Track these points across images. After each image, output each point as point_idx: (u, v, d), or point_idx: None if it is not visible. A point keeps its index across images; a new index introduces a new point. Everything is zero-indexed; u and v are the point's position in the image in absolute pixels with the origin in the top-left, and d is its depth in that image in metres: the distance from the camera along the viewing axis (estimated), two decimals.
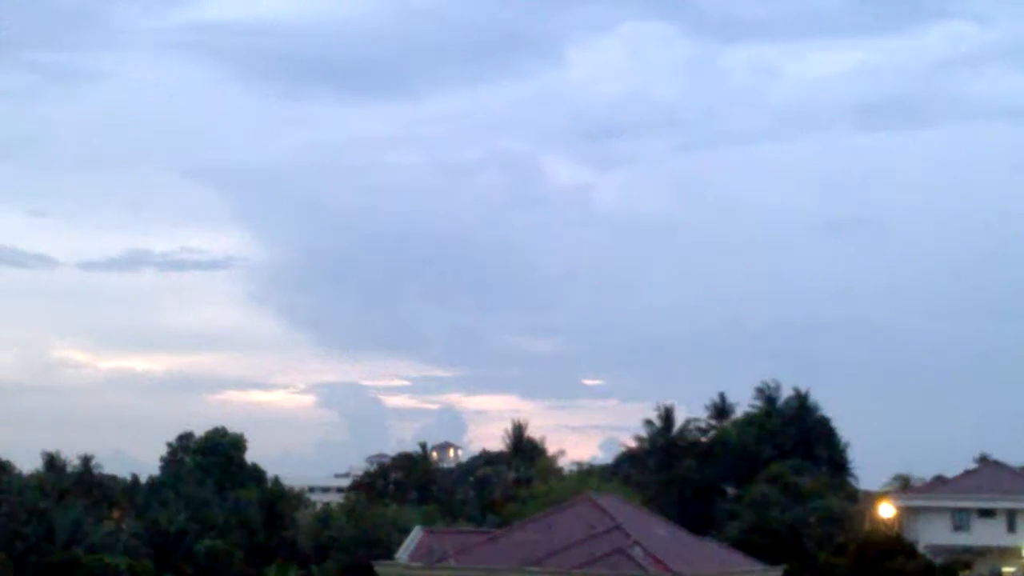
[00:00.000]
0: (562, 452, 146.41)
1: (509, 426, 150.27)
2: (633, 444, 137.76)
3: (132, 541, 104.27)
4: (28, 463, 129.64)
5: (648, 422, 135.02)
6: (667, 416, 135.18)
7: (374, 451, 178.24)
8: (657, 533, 71.27)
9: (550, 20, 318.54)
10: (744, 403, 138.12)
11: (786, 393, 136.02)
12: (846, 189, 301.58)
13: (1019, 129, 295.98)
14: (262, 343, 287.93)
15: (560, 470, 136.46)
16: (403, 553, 73.34)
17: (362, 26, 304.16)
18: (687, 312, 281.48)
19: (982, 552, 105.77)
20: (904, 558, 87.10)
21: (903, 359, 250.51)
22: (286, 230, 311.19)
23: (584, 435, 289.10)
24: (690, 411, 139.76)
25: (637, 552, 64.08)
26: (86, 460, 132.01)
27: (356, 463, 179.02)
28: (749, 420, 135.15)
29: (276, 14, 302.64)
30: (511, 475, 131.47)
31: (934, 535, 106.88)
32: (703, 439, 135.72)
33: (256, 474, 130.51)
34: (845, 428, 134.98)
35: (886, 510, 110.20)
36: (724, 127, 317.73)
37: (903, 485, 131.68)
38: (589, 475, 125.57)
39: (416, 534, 77.10)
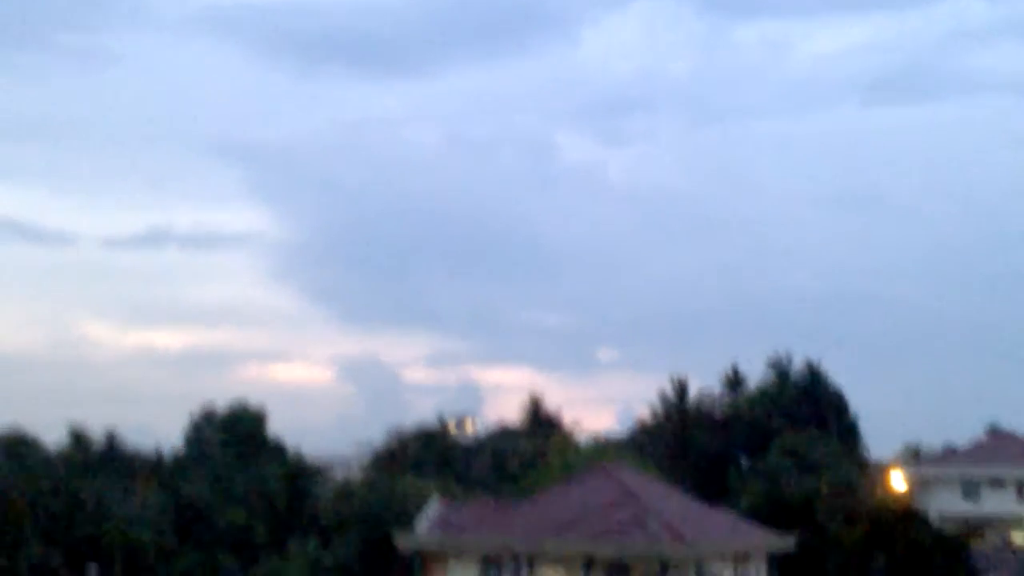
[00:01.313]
0: (578, 424, 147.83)
1: (525, 399, 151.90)
2: (648, 416, 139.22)
3: (156, 514, 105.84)
4: (53, 437, 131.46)
5: (662, 394, 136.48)
6: (681, 388, 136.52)
7: (393, 424, 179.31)
8: (671, 503, 72.64)
9: None
10: (757, 374, 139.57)
11: (798, 365, 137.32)
12: (856, 163, 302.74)
13: None
14: (282, 318, 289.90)
15: (576, 442, 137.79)
16: (422, 524, 74.81)
17: (378, 5, 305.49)
18: (700, 285, 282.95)
19: (992, 521, 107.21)
20: (915, 528, 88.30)
21: (913, 331, 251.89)
22: (305, 206, 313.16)
23: (599, 407, 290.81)
24: (703, 382, 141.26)
25: (652, 522, 65.53)
26: (111, 434, 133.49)
27: (375, 435, 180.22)
28: (762, 392, 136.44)
29: None
30: (528, 447, 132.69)
31: (944, 504, 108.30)
32: (716, 411, 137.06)
33: (278, 447, 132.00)
34: (856, 399, 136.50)
35: (897, 480, 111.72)
36: (735, 103, 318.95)
37: (914, 455, 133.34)
38: (604, 446, 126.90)
39: (434, 505, 78.49)
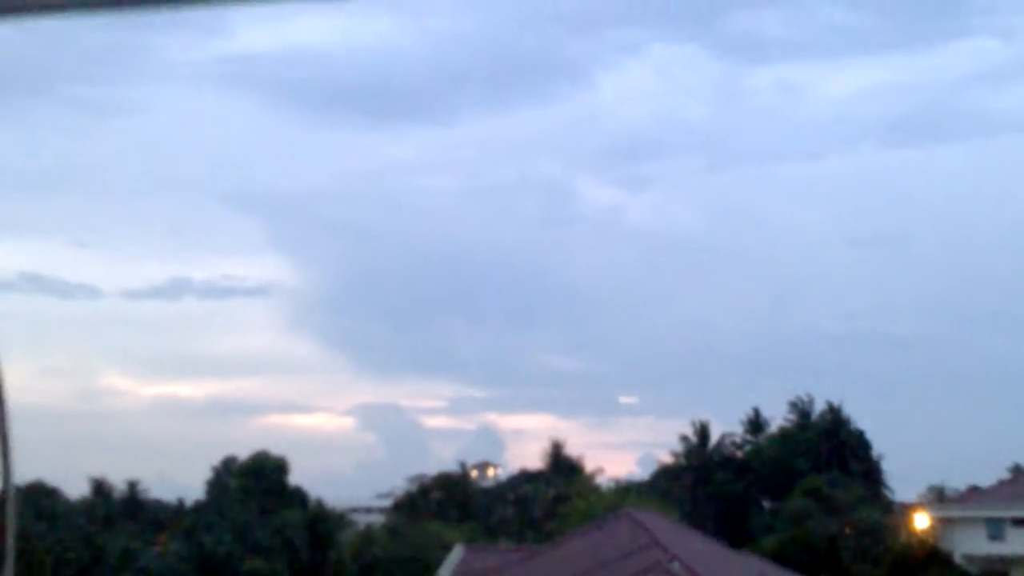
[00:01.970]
0: (600, 470, 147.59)
1: (547, 444, 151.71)
2: (670, 460, 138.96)
3: (179, 564, 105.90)
4: (75, 489, 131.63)
5: (684, 438, 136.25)
6: (703, 432, 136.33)
7: (414, 471, 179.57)
8: (695, 547, 72.49)
9: (580, 43, 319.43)
10: (778, 417, 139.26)
11: (819, 407, 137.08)
12: (873, 205, 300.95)
13: None
14: (301, 367, 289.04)
15: (598, 487, 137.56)
16: (445, 571, 74.71)
17: (393, 53, 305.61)
18: (719, 328, 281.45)
19: (1018, 561, 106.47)
20: (940, 569, 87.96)
21: (934, 371, 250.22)
22: (322, 255, 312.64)
23: (621, 452, 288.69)
24: (725, 426, 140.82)
25: (676, 567, 65.37)
26: (132, 485, 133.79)
27: (397, 483, 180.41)
28: (784, 434, 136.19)
29: (310, 44, 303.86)
30: (550, 492, 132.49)
31: (969, 545, 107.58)
32: (738, 453, 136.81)
33: (299, 496, 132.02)
34: (878, 440, 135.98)
35: (921, 521, 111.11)
36: (752, 146, 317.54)
37: (937, 496, 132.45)
38: (627, 491, 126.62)
39: (457, 552, 78.40)
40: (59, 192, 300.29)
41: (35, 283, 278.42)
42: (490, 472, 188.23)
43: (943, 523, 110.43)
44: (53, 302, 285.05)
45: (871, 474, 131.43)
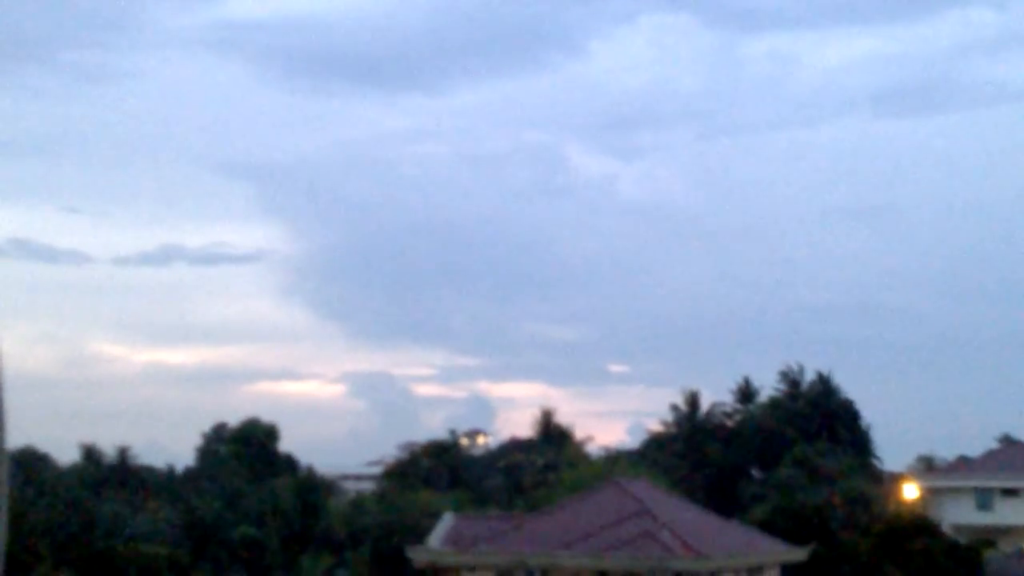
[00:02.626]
0: (590, 438, 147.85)
1: (537, 413, 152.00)
2: (659, 429, 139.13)
3: (169, 530, 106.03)
4: (66, 455, 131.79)
5: (674, 407, 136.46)
6: (693, 401, 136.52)
7: (404, 439, 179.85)
8: (684, 516, 72.72)
9: (573, 12, 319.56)
10: (768, 387, 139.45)
11: (809, 376, 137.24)
12: (865, 175, 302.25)
13: None
14: (292, 335, 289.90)
15: (588, 455, 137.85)
16: (435, 539, 74.90)
17: (387, 22, 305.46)
18: (711, 298, 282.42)
19: (1006, 531, 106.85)
20: (928, 538, 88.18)
21: (925, 341, 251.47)
22: (314, 223, 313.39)
23: (611, 421, 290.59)
24: (715, 395, 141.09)
25: (665, 535, 65.58)
26: (123, 451, 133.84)
27: (387, 451, 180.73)
28: (773, 403, 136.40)
29: (302, 11, 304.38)
30: (540, 461, 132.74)
31: (958, 515, 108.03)
32: (728, 423, 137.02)
33: (289, 463, 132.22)
34: (868, 410, 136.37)
35: (910, 491, 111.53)
36: (744, 116, 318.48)
37: (926, 466, 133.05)
38: (616, 460, 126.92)
39: (447, 520, 78.60)
40: (50, 158, 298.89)
41: (25, 249, 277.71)
42: (480, 440, 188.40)
43: (932, 493, 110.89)
44: (43, 268, 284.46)
45: (860, 444, 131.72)
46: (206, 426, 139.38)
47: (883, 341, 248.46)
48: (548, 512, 76.23)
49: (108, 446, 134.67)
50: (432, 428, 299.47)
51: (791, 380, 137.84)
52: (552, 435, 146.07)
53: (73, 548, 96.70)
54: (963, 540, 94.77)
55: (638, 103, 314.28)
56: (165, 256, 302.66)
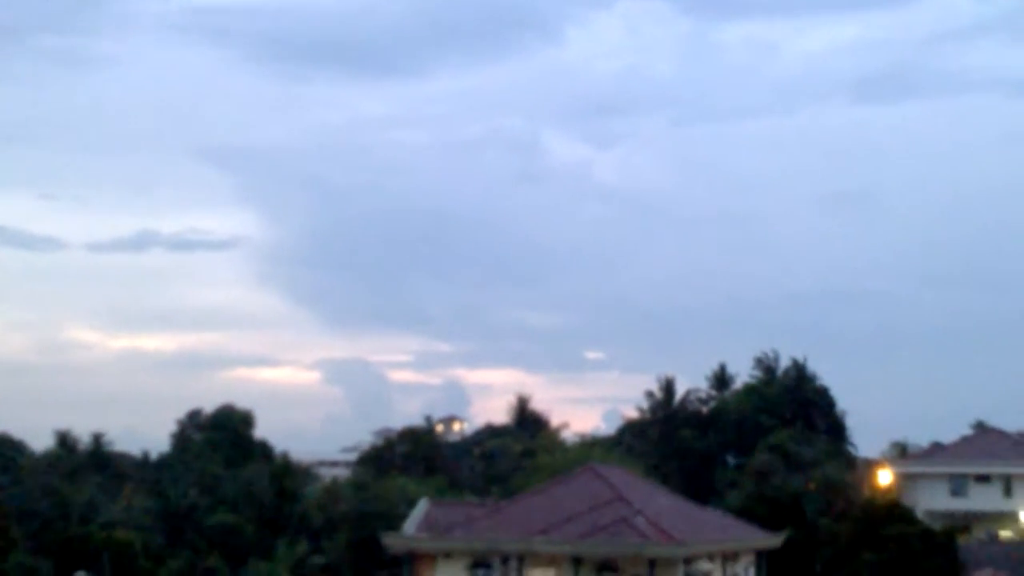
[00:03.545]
0: (566, 425, 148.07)
1: (513, 399, 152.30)
2: (635, 415, 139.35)
3: (144, 517, 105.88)
4: (41, 442, 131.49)
5: (649, 393, 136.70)
6: (668, 387, 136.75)
7: (380, 425, 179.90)
8: (659, 503, 72.80)
9: None
10: (744, 373, 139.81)
11: (785, 363, 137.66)
12: (843, 162, 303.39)
13: (1013, 100, 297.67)
14: (268, 321, 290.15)
15: (564, 442, 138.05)
16: (410, 525, 74.89)
17: (365, 7, 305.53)
18: (687, 284, 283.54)
19: (979, 517, 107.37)
20: (903, 524, 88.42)
21: (900, 328, 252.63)
22: (291, 209, 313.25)
23: (587, 407, 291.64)
24: (691, 382, 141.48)
25: (640, 522, 65.62)
26: (97, 438, 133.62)
27: (363, 437, 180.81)
28: (749, 390, 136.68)
29: None
30: (516, 448, 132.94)
31: (932, 501, 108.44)
32: (704, 409, 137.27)
33: (265, 450, 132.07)
34: (843, 397, 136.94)
35: (884, 477, 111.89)
36: (722, 102, 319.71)
37: (900, 452, 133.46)
38: (592, 446, 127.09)
39: (422, 506, 78.59)
40: (25, 144, 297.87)
41: (0, 235, 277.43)
42: (456, 426, 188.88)
43: (906, 479, 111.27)
44: (18, 254, 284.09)
45: (835, 430, 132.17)
46: (181, 412, 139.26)
47: (858, 328, 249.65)
48: (524, 498, 76.21)
49: (83, 432, 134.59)
50: (408, 414, 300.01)
51: (766, 367, 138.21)
52: (528, 421, 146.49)
53: (48, 534, 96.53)
54: (937, 526, 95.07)
55: (614, 89, 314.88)
56: (141, 242, 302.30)
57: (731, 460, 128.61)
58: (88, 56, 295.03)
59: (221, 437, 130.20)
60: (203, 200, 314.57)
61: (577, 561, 65.01)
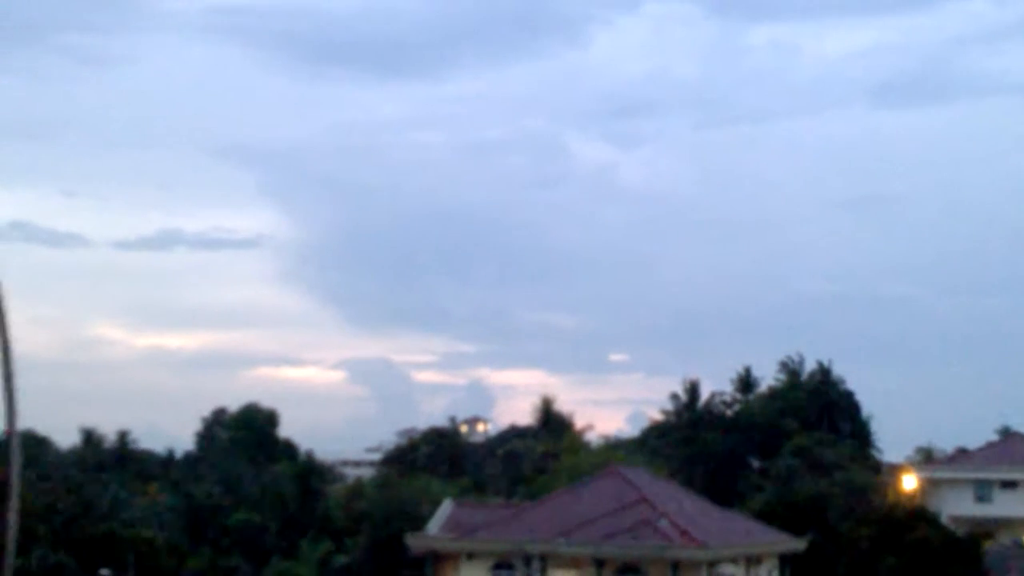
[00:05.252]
0: (590, 426, 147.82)
1: (537, 400, 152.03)
2: (659, 418, 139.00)
3: (168, 515, 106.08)
4: (66, 439, 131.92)
5: (674, 396, 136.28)
6: (693, 390, 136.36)
7: (404, 426, 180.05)
8: (683, 505, 72.76)
9: (574, 0, 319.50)
10: (768, 377, 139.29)
11: (809, 367, 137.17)
12: (865, 166, 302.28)
13: None
14: (292, 320, 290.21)
15: (588, 444, 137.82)
16: (434, 525, 75.01)
17: (387, 7, 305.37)
18: (711, 287, 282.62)
19: (1004, 523, 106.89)
20: (927, 529, 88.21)
21: (925, 333, 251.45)
22: (314, 209, 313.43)
23: (611, 409, 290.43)
24: (715, 385, 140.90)
25: (664, 524, 65.62)
26: (122, 435, 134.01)
27: (387, 438, 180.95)
28: (773, 394, 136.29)
29: None
30: (539, 449, 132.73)
31: (956, 506, 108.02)
32: (728, 412, 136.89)
33: (289, 449, 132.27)
34: (868, 401, 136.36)
35: (909, 482, 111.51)
36: (745, 105, 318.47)
37: (926, 457, 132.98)
38: (616, 449, 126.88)
39: (446, 507, 78.72)
40: (50, 141, 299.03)
41: (25, 232, 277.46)
42: (480, 427, 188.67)
43: (931, 484, 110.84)
44: (43, 251, 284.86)
45: (860, 434, 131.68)
46: (206, 411, 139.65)
47: (883, 332, 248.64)
48: (547, 500, 76.30)
49: (108, 430, 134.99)
50: (432, 415, 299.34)
51: (791, 370, 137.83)
52: (552, 423, 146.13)
53: (71, 531, 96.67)
54: (961, 532, 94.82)
55: (638, 91, 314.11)
56: (165, 240, 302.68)
57: (755, 463, 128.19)
58: (111, 54, 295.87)
59: (245, 436, 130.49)
60: (226, 199, 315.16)
61: (600, 563, 65.08)
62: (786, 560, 76.76)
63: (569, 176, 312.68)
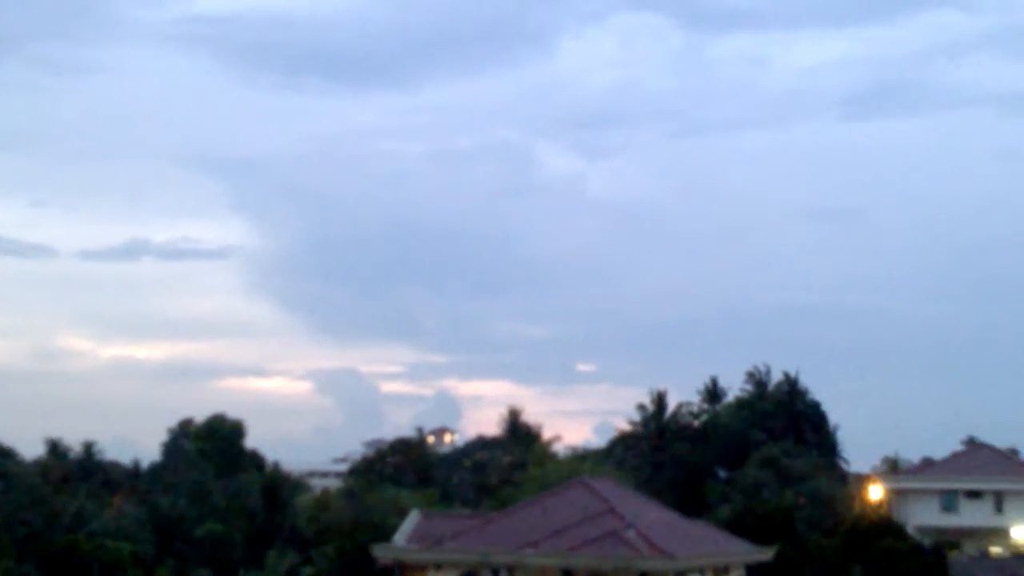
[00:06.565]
0: (557, 437, 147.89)
1: (504, 411, 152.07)
2: (627, 428, 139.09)
3: (134, 526, 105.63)
4: (31, 450, 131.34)
5: (641, 406, 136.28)
6: (660, 400, 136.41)
7: (371, 436, 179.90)
8: (650, 516, 72.71)
9: (544, 11, 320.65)
10: (735, 387, 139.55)
11: (776, 377, 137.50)
12: (834, 176, 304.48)
13: (1004, 116, 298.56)
14: (260, 331, 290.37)
15: (555, 454, 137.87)
16: (401, 536, 74.79)
17: (357, 17, 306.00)
18: (679, 298, 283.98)
19: (970, 533, 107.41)
20: (893, 539, 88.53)
21: (891, 344, 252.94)
22: (283, 219, 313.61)
23: (578, 420, 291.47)
24: (682, 395, 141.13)
25: (631, 534, 65.56)
26: (88, 446, 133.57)
27: (354, 448, 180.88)
28: (740, 404, 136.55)
29: (272, 6, 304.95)
30: (507, 459, 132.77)
31: (923, 516, 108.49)
32: (695, 423, 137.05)
33: (255, 460, 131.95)
34: (835, 411, 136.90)
35: (875, 492, 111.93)
36: (714, 116, 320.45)
37: (892, 467, 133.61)
38: (583, 459, 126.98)
39: (413, 518, 78.52)
40: (16, 152, 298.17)
41: None
42: (447, 438, 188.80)
43: (897, 494, 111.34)
44: (9, 261, 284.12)
45: (826, 445, 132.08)
46: (172, 422, 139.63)
47: (850, 343, 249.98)
48: (514, 510, 76.17)
49: (74, 441, 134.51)
50: (399, 425, 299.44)
51: (758, 381, 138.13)
52: (519, 434, 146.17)
53: (37, 543, 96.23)
54: (928, 542, 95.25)
55: (607, 102, 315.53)
56: (132, 251, 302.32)
57: (722, 474, 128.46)
58: (81, 64, 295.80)
59: (212, 447, 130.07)
60: (195, 209, 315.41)
61: (567, 574, 64.96)
62: (753, 570, 76.78)
63: (539, 186, 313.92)
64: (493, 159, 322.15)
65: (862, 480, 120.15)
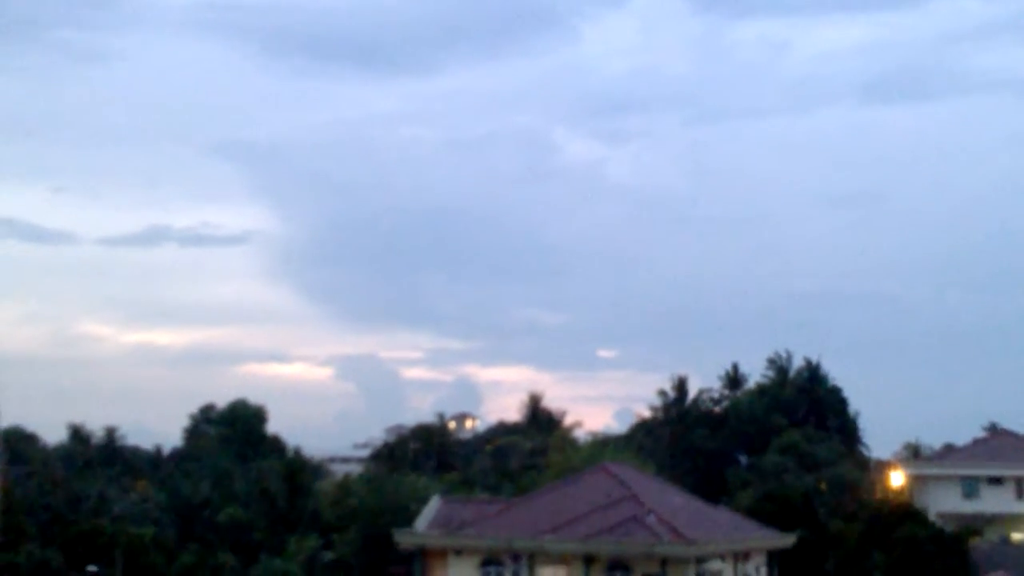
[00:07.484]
0: (578, 423, 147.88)
1: (525, 397, 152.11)
2: (647, 414, 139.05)
3: (156, 511, 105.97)
4: (53, 435, 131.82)
5: (662, 392, 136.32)
6: (681, 386, 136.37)
7: (392, 422, 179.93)
8: (671, 501, 72.75)
9: None
10: (756, 373, 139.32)
11: (797, 363, 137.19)
12: (854, 162, 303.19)
13: (1022, 101, 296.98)
14: (281, 316, 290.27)
15: (575, 440, 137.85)
16: (422, 522, 74.91)
17: (377, 4, 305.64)
18: (700, 284, 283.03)
19: (991, 519, 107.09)
20: (914, 525, 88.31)
21: (913, 330, 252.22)
22: (303, 205, 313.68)
23: (599, 406, 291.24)
24: (703, 381, 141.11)
25: (651, 520, 65.60)
26: (110, 432, 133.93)
27: (375, 434, 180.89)
28: (761, 390, 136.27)
29: None
30: (528, 445, 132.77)
31: (944, 503, 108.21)
32: (716, 409, 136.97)
33: (277, 445, 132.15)
34: (856, 398, 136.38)
35: (896, 478, 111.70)
36: (734, 101, 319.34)
37: (913, 454, 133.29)
38: (604, 445, 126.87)
39: (434, 503, 78.64)
40: (38, 138, 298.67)
41: (12, 229, 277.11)
42: (468, 424, 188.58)
43: (918, 480, 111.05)
44: (30, 248, 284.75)
45: (847, 431, 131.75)
46: (194, 407, 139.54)
47: (871, 329, 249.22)
48: (535, 496, 76.26)
49: (96, 426, 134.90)
50: (420, 411, 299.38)
51: (779, 367, 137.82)
52: (540, 419, 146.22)
53: (59, 528, 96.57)
54: (949, 528, 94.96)
55: (627, 88, 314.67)
56: (153, 236, 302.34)
57: (743, 460, 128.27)
58: (101, 51, 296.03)
59: (233, 432, 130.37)
60: (215, 195, 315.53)
61: (588, 560, 65.04)
62: (774, 556, 76.77)
63: (558, 172, 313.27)
64: (512, 145, 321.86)
65: (883, 466, 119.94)
